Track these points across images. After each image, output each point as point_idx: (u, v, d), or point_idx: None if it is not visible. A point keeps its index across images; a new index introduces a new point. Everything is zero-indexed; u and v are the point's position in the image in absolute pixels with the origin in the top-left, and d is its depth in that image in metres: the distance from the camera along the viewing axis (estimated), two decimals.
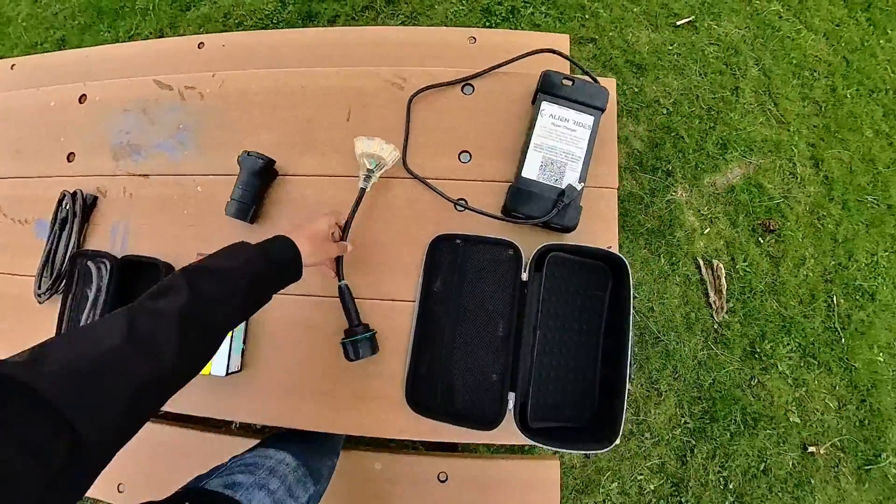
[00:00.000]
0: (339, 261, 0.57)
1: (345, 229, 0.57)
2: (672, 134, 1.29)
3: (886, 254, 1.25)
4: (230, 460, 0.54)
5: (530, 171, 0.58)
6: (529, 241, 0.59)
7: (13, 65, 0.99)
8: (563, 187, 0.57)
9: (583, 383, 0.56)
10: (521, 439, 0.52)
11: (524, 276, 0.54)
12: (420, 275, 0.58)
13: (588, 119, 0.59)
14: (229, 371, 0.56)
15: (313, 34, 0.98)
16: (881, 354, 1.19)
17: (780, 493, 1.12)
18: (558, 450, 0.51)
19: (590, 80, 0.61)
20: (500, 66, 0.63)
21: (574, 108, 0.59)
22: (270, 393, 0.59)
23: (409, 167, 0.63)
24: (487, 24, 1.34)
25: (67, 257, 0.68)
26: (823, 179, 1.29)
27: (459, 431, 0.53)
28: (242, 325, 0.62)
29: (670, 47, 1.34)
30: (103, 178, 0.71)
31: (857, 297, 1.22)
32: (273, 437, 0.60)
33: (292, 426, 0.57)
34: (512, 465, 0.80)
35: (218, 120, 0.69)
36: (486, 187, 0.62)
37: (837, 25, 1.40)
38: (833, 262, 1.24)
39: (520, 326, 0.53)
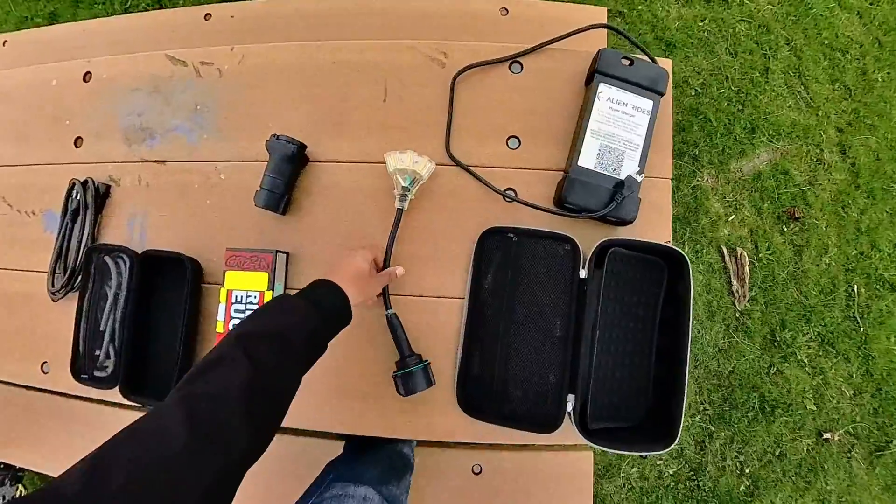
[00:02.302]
0: (385, 289, 0.54)
1: (385, 257, 0.54)
2: (700, 117, 1.24)
3: None
4: (310, 501, 0.49)
5: (587, 160, 0.54)
6: (583, 234, 0.55)
7: (5, 41, 0.91)
8: (622, 178, 0.53)
9: (638, 381, 0.54)
10: (580, 440, 0.50)
11: (583, 274, 0.51)
12: (469, 270, 0.55)
13: (647, 103, 0.55)
14: None
15: (330, 4, 0.90)
16: None
17: (793, 478, 1.14)
18: (619, 452, 0.50)
19: (648, 59, 0.56)
20: (551, 42, 0.58)
21: (633, 92, 0.55)
22: (313, 396, 0.56)
23: (452, 154, 0.58)
24: None
25: (82, 252, 0.63)
26: (850, 167, 1.26)
27: (514, 433, 0.51)
28: None
29: (700, 23, 1.28)
30: (115, 165, 0.65)
31: (878, 286, 1.21)
32: (345, 466, 0.56)
33: (337, 430, 0.55)
34: (546, 457, 0.79)
35: (239, 99, 0.63)
36: (536, 176, 0.58)
37: (871, 3, 1.34)
38: (855, 252, 1.22)
39: (578, 325, 0.51)
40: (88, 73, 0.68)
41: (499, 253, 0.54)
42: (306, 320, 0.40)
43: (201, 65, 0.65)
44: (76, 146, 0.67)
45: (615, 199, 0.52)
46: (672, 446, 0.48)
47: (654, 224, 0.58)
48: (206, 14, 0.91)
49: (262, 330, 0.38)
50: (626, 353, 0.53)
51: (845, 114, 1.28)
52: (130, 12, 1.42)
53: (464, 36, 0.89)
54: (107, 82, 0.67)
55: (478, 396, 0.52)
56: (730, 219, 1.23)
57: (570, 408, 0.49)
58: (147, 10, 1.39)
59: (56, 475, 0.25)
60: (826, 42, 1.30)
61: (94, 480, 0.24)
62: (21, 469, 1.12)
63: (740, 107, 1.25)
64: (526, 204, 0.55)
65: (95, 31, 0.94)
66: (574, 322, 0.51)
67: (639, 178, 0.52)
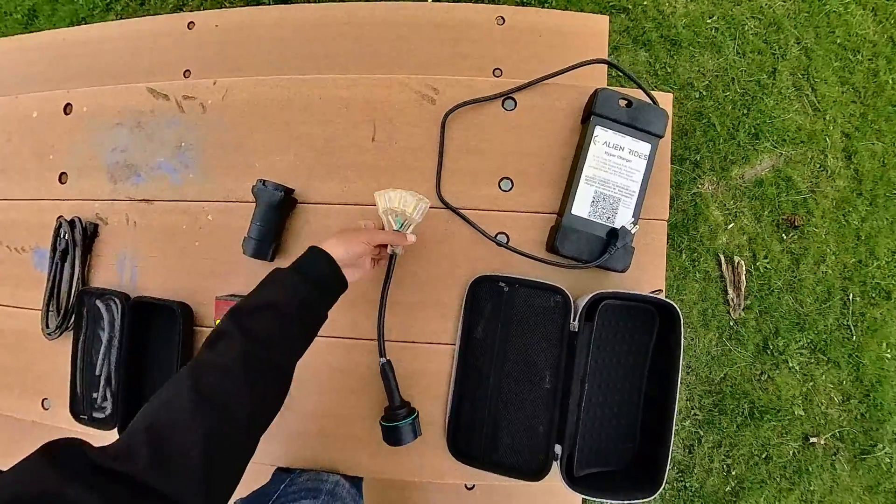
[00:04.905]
0: (380, 335, 0.53)
1: (381, 301, 0.54)
2: (703, 121, 1.21)
3: None
4: (283, 485, 0.52)
5: (580, 208, 0.53)
6: (574, 281, 0.55)
7: None
8: (615, 226, 0.53)
9: (625, 427, 0.55)
10: (566, 489, 0.51)
11: (573, 327, 0.51)
12: (460, 319, 0.55)
13: (645, 147, 0.53)
14: None
15: (317, 11, 0.86)
16: (889, 351, 1.21)
17: (778, 479, 1.18)
18: (603, 500, 0.51)
19: (647, 99, 0.54)
20: (546, 78, 0.56)
21: (630, 135, 0.53)
22: (304, 437, 0.57)
23: (443, 197, 0.57)
24: None
25: (73, 293, 0.63)
26: (854, 173, 1.23)
27: (502, 477, 0.53)
28: None
29: (708, 21, 1.22)
30: (102, 203, 0.64)
31: (874, 295, 1.21)
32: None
33: (329, 470, 0.56)
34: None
35: (223, 137, 0.61)
36: (529, 219, 0.57)
37: None
38: (853, 260, 1.22)
39: (568, 378, 0.51)
40: (69, 104, 0.66)
41: (490, 303, 0.54)
42: (295, 290, 0.42)
43: (184, 99, 0.62)
44: (61, 182, 0.66)
45: (608, 250, 0.51)
46: (655, 494, 0.50)
47: (647, 269, 0.57)
48: (190, 23, 0.88)
49: (252, 304, 0.41)
50: (614, 402, 0.54)
51: (853, 118, 1.24)
52: (112, 8, 1.36)
53: (459, 46, 0.86)
54: (88, 115, 0.65)
55: (467, 443, 0.54)
56: (729, 227, 1.22)
57: (557, 458, 0.51)
58: (129, 6, 1.33)
59: None
60: (838, 41, 1.24)
61: (128, 445, 0.31)
62: None
63: (745, 110, 1.22)
64: (517, 252, 0.54)
65: (74, 40, 0.91)
66: (563, 374, 0.51)
67: (633, 230, 0.52)
